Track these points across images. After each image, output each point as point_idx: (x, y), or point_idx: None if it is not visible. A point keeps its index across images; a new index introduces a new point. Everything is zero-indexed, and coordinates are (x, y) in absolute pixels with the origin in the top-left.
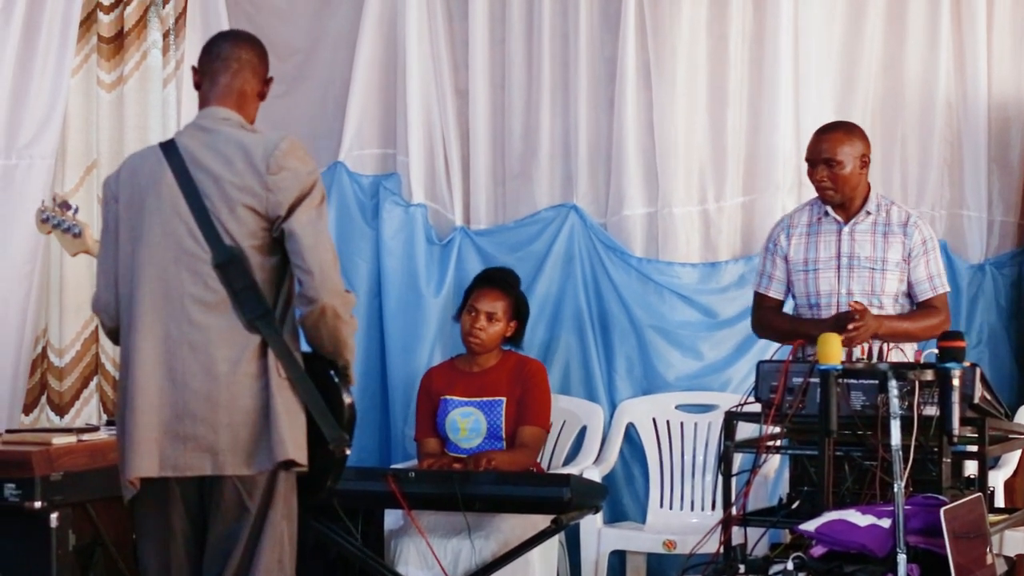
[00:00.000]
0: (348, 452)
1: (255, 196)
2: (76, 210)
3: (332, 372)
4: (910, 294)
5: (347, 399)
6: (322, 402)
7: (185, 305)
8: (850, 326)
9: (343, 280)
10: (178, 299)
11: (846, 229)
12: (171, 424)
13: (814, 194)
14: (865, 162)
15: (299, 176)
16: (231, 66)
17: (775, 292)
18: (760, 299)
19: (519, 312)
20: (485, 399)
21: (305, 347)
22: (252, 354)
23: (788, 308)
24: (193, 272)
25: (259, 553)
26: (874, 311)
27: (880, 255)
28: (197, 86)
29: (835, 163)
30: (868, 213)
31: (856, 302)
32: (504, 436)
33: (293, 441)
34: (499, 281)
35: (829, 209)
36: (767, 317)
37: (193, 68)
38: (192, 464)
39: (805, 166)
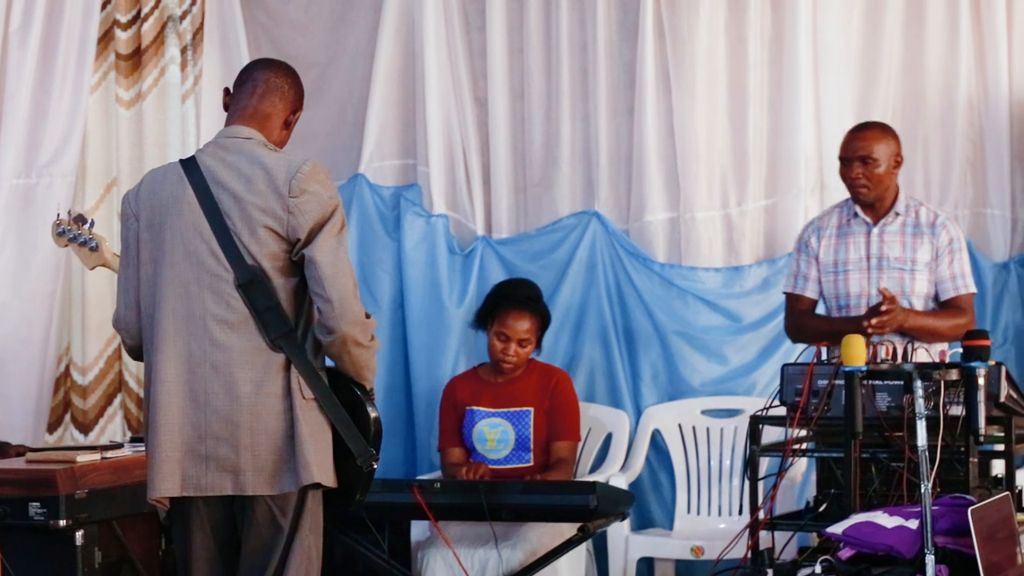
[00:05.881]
0: (376, 466)
1: (276, 218)
2: (92, 224)
3: (355, 387)
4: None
5: (372, 413)
6: (348, 419)
7: (207, 325)
8: (882, 307)
9: (362, 305)
10: (200, 319)
11: (875, 230)
12: (193, 444)
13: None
14: (898, 162)
15: (321, 200)
16: (257, 88)
17: (811, 292)
18: (795, 301)
19: (545, 324)
20: (513, 410)
21: (328, 361)
22: (276, 374)
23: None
24: (215, 292)
25: (287, 568)
26: None
27: (910, 255)
28: (226, 107)
29: (870, 160)
30: (897, 214)
31: (885, 289)
32: (532, 447)
33: (318, 464)
34: (524, 301)
35: (858, 210)
36: (803, 319)
37: (226, 89)
38: (214, 484)
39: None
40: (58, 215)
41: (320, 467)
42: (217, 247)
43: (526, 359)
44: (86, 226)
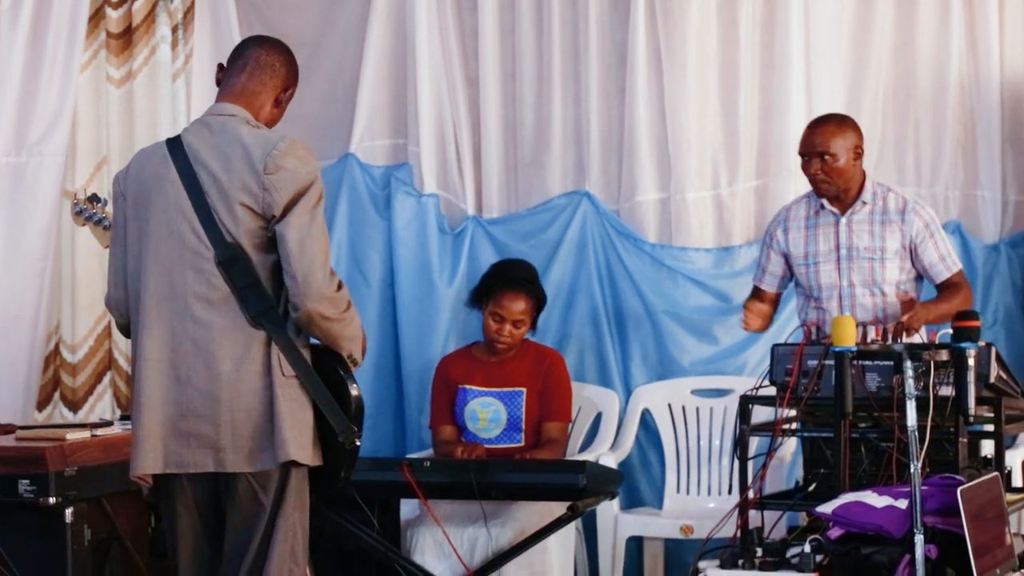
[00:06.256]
0: (359, 443)
1: (252, 195)
2: (104, 203)
3: (338, 365)
4: (923, 278)
5: (354, 391)
6: (329, 396)
7: (189, 303)
8: (904, 317)
9: (332, 278)
10: (182, 297)
11: (843, 220)
12: (175, 421)
13: None
14: (859, 153)
15: (297, 176)
16: (248, 65)
17: (767, 286)
18: (755, 291)
19: (540, 305)
20: (505, 389)
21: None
22: (256, 351)
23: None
24: (197, 270)
25: (272, 545)
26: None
27: (879, 244)
28: (218, 83)
29: (829, 155)
30: (864, 203)
31: (904, 293)
32: (524, 427)
33: (296, 441)
34: (520, 281)
35: (825, 201)
36: None
37: (219, 65)
38: (196, 461)
39: None
40: (75, 195)
41: (298, 444)
42: (198, 225)
43: (520, 339)
44: (99, 204)
